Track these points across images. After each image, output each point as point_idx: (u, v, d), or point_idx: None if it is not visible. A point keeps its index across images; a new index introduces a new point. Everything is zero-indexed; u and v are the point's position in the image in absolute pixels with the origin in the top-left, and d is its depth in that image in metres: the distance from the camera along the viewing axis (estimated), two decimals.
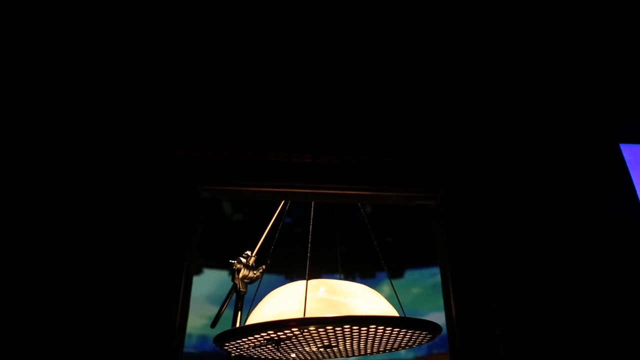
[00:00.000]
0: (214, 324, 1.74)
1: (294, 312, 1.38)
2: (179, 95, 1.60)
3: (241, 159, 1.34)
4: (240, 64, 1.71)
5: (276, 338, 1.37)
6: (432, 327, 1.42)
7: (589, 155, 1.51)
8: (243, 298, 1.87)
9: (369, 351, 1.79)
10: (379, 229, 2.00)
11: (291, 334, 1.32)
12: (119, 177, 1.33)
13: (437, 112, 1.59)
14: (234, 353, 1.69)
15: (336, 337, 1.42)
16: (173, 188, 1.27)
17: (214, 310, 1.71)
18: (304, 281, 1.47)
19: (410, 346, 1.69)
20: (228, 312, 1.86)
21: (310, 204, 1.90)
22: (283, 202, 1.92)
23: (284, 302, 1.44)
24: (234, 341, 1.46)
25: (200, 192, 1.32)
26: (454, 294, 1.18)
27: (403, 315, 1.53)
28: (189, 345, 11.64)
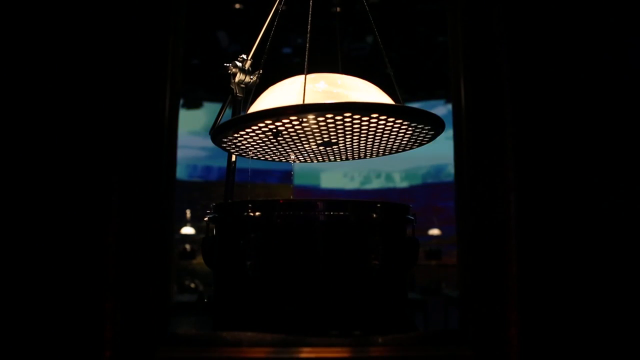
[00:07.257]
0: (212, 132, 1.72)
1: (293, 103, 1.33)
2: None
3: None
4: None
5: (274, 130, 1.33)
6: (435, 121, 1.39)
7: None
8: (240, 104, 1.82)
9: (368, 154, 1.79)
10: (380, 62, 1.91)
11: (289, 124, 1.28)
12: None
13: None
14: (234, 153, 1.70)
15: (336, 131, 1.39)
16: None
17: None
18: (303, 75, 1.38)
19: (411, 147, 1.69)
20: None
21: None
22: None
23: (281, 95, 1.38)
24: (232, 136, 1.43)
25: None
26: (465, 80, 1.09)
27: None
28: (195, 174, 12.30)
